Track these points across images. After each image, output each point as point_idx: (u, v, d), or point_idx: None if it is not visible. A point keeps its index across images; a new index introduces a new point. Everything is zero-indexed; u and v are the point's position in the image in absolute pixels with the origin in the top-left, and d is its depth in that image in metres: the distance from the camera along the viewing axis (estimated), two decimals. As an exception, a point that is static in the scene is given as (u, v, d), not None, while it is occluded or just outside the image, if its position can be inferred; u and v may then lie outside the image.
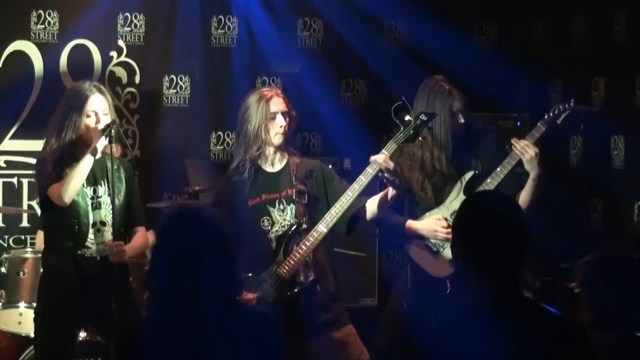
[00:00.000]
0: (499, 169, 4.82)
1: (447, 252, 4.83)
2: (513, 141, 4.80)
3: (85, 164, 4.53)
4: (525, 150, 4.76)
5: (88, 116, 4.60)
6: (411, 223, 4.89)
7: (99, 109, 4.61)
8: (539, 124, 4.87)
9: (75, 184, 4.51)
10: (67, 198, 4.51)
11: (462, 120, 4.91)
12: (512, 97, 6.74)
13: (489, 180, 4.81)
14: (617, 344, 3.20)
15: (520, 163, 4.83)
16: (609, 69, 6.08)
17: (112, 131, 4.52)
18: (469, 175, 4.90)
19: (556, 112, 4.89)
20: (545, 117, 4.89)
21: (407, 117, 4.60)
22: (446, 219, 4.85)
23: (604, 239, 5.92)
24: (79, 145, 4.59)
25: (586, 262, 3.42)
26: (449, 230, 4.79)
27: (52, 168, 4.54)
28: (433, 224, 4.84)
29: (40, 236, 5.89)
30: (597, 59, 6.20)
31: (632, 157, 5.88)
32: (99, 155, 4.62)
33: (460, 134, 4.92)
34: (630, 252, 4.32)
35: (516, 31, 6.93)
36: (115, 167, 4.66)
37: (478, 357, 2.70)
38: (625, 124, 5.93)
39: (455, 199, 4.87)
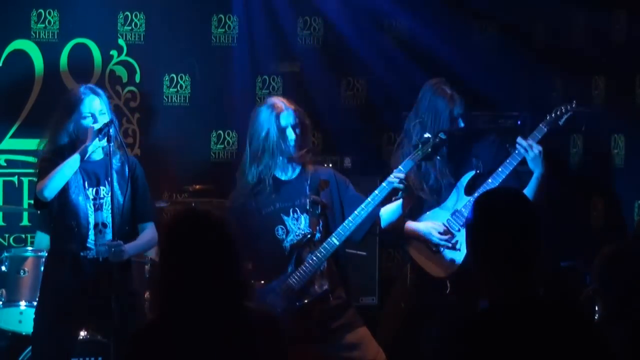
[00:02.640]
0: (500, 168, 4.82)
1: (448, 252, 4.85)
2: (518, 140, 4.81)
3: (70, 162, 4.51)
4: (529, 148, 4.77)
5: (84, 117, 4.61)
6: (410, 224, 4.89)
7: (94, 109, 4.62)
8: (541, 125, 4.88)
9: (56, 180, 4.49)
10: (47, 193, 4.50)
11: (462, 125, 4.92)
12: (513, 96, 6.73)
13: (490, 180, 4.82)
14: (633, 339, 3.16)
15: (522, 162, 4.84)
16: (609, 68, 6.08)
17: (110, 130, 4.52)
18: (470, 175, 4.91)
19: (558, 113, 4.90)
20: (547, 118, 4.90)
21: (426, 135, 4.62)
22: (444, 224, 4.85)
23: (605, 237, 5.93)
24: (78, 147, 4.58)
25: (604, 255, 3.35)
26: (445, 237, 4.81)
27: (50, 169, 4.53)
28: (431, 228, 4.85)
29: (38, 237, 5.90)
30: (597, 57, 6.20)
31: (632, 156, 5.88)
32: (101, 156, 4.63)
33: (460, 136, 4.93)
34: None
35: (517, 30, 6.93)
36: (119, 164, 4.67)
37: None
38: (626, 123, 5.94)
39: (457, 202, 4.87)
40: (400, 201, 4.60)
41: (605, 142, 6.06)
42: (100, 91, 4.72)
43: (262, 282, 4.47)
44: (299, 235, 4.58)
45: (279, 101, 4.63)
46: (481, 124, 6.21)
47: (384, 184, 4.50)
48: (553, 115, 4.90)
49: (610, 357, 2.75)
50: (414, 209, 4.95)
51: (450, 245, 4.81)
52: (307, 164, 4.66)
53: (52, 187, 4.51)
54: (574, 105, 4.89)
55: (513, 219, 2.76)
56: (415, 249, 4.94)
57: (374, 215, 4.59)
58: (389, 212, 4.66)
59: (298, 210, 4.60)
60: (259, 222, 4.57)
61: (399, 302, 5.00)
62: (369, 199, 4.51)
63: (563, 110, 4.89)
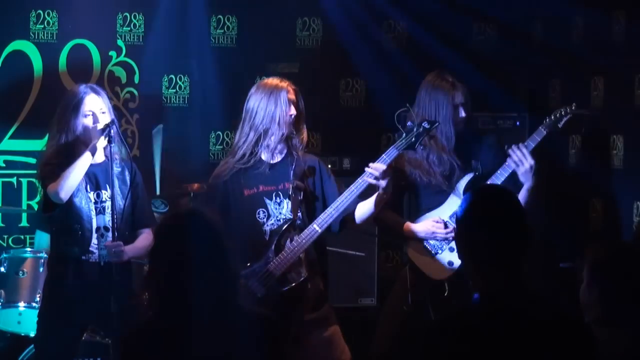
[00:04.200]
0: (499, 170, 4.83)
1: (446, 254, 4.85)
2: (511, 150, 4.80)
3: (83, 160, 4.53)
4: (521, 161, 4.77)
5: (85, 116, 4.62)
6: (409, 225, 4.90)
7: (95, 108, 4.63)
8: (540, 127, 4.87)
9: (71, 180, 4.50)
10: (63, 194, 4.50)
11: (463, 114, 4.91)
12: (512, 97, 6.73)
13: (489, 182, 4.82)
14: (631, 343, 3.15)
15: None
16: (609, 68, 6.07)
17: (112, 131, 4.52)
18: (469, 176, 4.91)
19: (558, 115, 4.89)
20: (547, 120, 4.90)
21: (410, 124, 4.60)
22: (444, 221, 4.85)
23: (604, 238, 5.92)
24: (80, 146, 4.59)
25: (594, 256, 3.34)
26: (447, 230, 4.81)
27: (55, 169, 4.54)
28: (430, 225, 4.85)
29: (38, 236, 5.90)
30: (597, 58, 6.18)
31: (631, 156, 5.87)
32: (102, 159, 4.63)
33: (461, 130, 4.92)
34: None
35: (516, 30, 6.93)
36: (120, 169, 4.67)
37: (477, 353, 2.69)
38: (625, 124, 5.92)
39: (456, 204, 4.86)
40: (373, 198, 4.52)
41: (604, 143, 6.04)
42: (100, 90, 4.74)
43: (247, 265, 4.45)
44: (279, 220, 4.56)
45: (279, 81, 4.62)
46: (480, 124, 6.21)
47: (359, 179, 4.45)
48: (553, 117, 4.89)
49: (594, 357, 2.76)
50: (411, 210, 4.96)
51: (453, 236, 4.77)
52: (295, 149, 4.63)
53: (67, 187, 4.51)
54: (573, 108, 4.89)
55: (497, 217, 2.80)
56: (413, 251, 4.94)
57: (350, 209, 4.55)
58: (363, 209, 4.57)
59: (281, 195, 4.58)
60: (240, 203, 4.54)
61: (398, 304, 5.00)
62: (351, 186, 4.46)
63: (563, 113, 4.89)
